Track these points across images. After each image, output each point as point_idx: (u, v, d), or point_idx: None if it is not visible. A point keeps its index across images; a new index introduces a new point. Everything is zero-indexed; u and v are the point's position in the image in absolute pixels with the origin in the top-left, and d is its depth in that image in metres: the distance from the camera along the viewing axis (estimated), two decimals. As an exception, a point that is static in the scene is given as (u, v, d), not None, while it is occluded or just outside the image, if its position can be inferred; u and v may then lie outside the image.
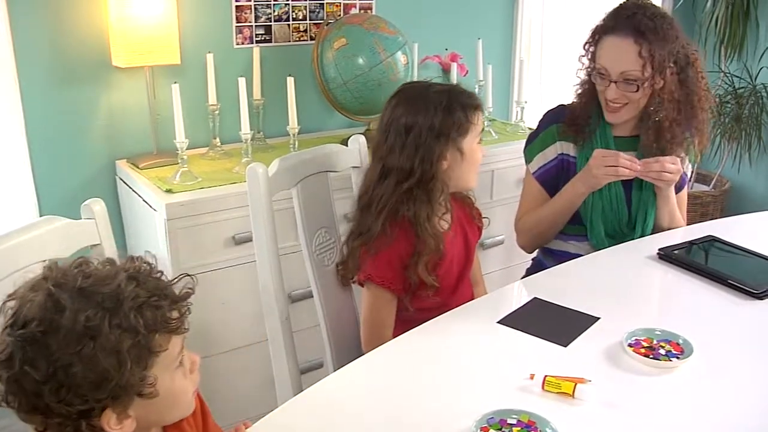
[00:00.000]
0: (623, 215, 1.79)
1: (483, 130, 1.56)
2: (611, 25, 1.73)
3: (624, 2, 1.76)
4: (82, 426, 0.84)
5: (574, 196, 1.76)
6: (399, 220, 1.48)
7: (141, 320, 0.83)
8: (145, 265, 0.90)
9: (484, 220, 1.70)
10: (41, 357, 0.80)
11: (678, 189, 1.86)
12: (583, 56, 1.80)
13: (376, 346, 1.32)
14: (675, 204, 1.81)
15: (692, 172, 1.91)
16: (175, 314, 0.88)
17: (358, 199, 1.56)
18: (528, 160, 1.89)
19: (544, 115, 1.91)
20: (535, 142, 1.87)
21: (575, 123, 1.81)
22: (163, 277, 0.90)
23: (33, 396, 0.81)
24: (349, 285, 1.66)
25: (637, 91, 1.70)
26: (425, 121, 1.46)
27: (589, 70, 1.79)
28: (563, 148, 1.83)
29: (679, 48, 1.72)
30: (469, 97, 1.52)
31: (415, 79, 2.41)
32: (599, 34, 1.75)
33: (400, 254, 1.48)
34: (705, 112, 1.80)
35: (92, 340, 0.80)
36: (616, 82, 1.71)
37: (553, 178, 1.84)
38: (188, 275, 0.93)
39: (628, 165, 1.67)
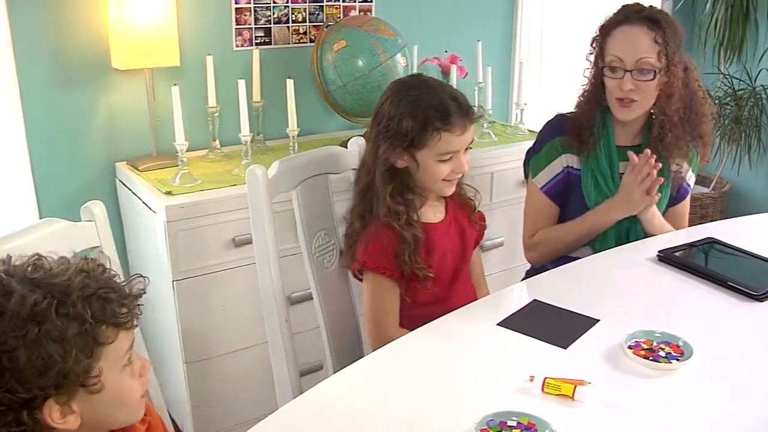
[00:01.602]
0: (632, 225, 1.77)
1: (454, 151, 1.46)
2: (621, 18, 1.72)
3: (628, 4, 1.76)
4: (23, 417, 0.82)
5: (607, 220, 1.75)
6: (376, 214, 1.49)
7: (89, 310, 0.84)
8: (98, 266, 0.90)
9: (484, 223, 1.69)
10: None
11: (680, 198, 1.87)
12: (590, 54, 1.78)
13: (383, 340, 1.31)
14: (660, 221, 1.79)
15: (694, 181, 1.90)
16: (124, 309, 0.88)
17: (355, 183, 1.59)
18: (533, 175, 1.86)
19: (544, 127, 1.88)
20: (539, 156, 1.84)
21: (579, 134, 1.78)
22: (117, 278, 0.91)
23: None
24: (352, 273, 1.64)
25: (654, 79, 1.68)
26: (387, 118, 1.45)
27: (598, 66, 1.76)
28: (568, 160, 1.81)
29: (682, 50, 1.73)
30: (440, 113, 1.42)
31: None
32: (609, 27, 1.74)
33: (389, 243, 1.47)
34: (708, 120, 1.79)
35: (38, 325, 0.80)
36: (631, 71, 1.68)
37: (561, 192, 1.83)
38: (142, 276, 0.93)
39: (647, 170, 1.66)
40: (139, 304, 0.91)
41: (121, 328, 0.88)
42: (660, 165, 1.68)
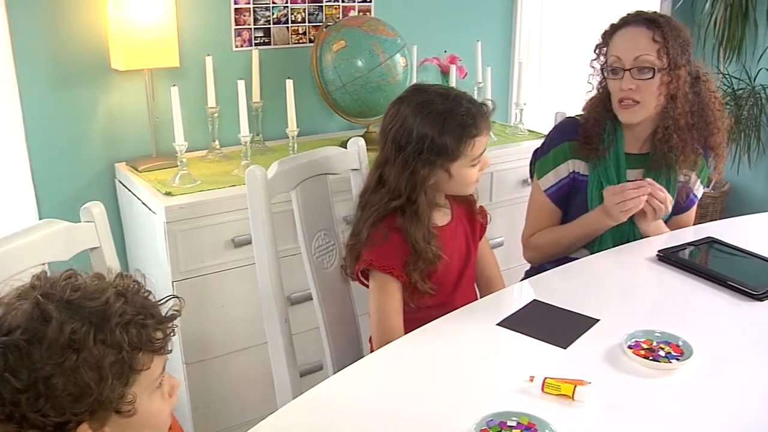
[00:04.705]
0: (632, 231, 1.77)
1: (483, 152, 1.49)
2: (622, 22, 1.72)
3: (630, 11, 1.75)
4: None
5: (601, 227, 1.74)
6: (392, 224, 1.47)
7: (126, 337, 0.82)
8: (133, 283, 0.89)
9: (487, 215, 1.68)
10: (23, 366, 0.79)
11: (686, 208, 1.86)
12: (594, 60, 1.78)
13: (388, 341, 1.31)
14: (659, 226, 1.78)
15: (702, 192, 1.89)
16: (159, 334, 0.87)
17: (359, 196, 1.55)
18: (538, 176, 1.84)
19: (553, 130, 1.88)
20: (546, 157, 1.83)
21: (589, 141, 1.77)
22: (151, 297, 0.90)
23: (10, 404, 0.80)
24: (352, 279, 1.62)
25: (653, 77, 1.66)
26: (417, 139, 1.43)
27: (601, 69, 1.76)
28: (575, 166, 1.80)
29: (691, 57, 1.71)
30: (470, 120, 1.44)
31: (414, 81, 2.41)
32: (610, 32, 1.74)
33: (400, 248, 1.45)
34: (721, 132, 1.77)
35: (75, 353, 0.79)
36: (630, 70, 1.67)
37: (566, 195, 1.82)
38: (177, 297, 0.92)
39: (633, 195, 1.64)
40: (175, 326, 0.90)
41: (156, 354, 0.87)
42: (647, 190, 1.66)
